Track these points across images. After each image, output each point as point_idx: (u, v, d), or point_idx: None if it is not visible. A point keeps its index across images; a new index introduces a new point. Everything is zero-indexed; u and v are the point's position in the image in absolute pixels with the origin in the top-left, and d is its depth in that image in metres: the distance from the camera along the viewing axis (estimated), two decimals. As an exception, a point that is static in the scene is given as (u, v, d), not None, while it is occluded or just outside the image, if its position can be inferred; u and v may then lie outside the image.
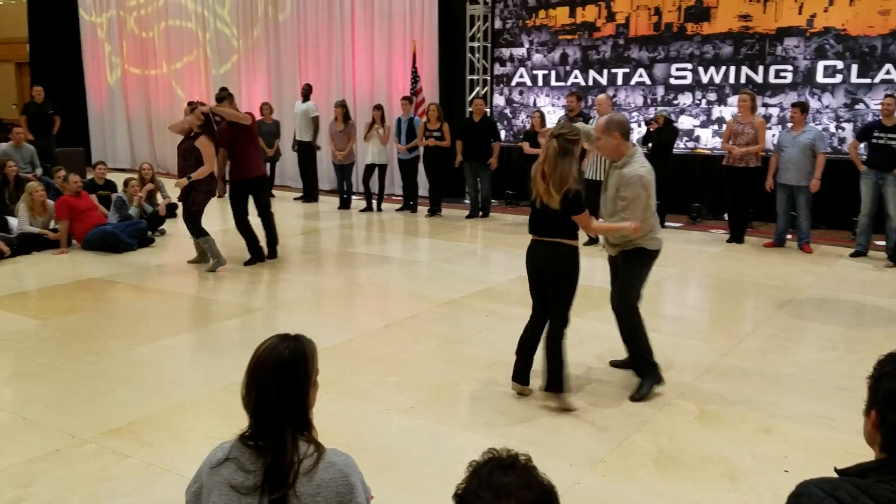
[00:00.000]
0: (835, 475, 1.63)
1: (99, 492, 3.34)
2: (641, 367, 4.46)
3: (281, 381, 1.89)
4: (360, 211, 11.05)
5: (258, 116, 12.08)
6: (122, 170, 14.79)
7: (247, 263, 7.57)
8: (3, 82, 19.70)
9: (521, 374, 4.40)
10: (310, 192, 11.98)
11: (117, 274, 7.33)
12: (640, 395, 4.33)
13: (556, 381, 4.19)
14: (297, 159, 12.09)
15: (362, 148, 11.48)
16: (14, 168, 9.13)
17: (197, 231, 7.37)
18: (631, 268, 4.46)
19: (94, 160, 11.36)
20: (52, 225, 8.45)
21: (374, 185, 11.09)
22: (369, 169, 11.00)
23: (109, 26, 15.69)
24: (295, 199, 12.11)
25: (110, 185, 9.54)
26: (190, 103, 8.24)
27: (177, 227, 9.69)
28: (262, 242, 7.78)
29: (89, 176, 9.96)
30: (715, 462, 3.60)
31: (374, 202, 11.13)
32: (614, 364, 4.87)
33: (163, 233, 9.16)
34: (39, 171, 10.16)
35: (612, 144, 4.30)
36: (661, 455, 3.69)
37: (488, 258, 8.52)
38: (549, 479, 1.38)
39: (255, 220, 7.72)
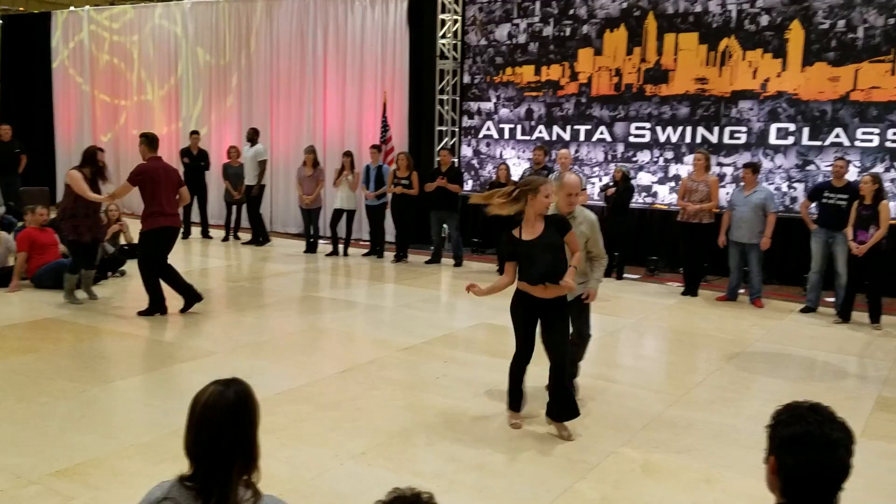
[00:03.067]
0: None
1: (40, 534, 3.32)
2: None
3: (233, 425, 1.95)
4: (327, 255, 11.12)
5: (225, 159, 12.21)
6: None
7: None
8: (-30, 119, 19.58)
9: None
10: (260, 235, 11.92)
11: (73, 314, 7.28)
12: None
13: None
14: (248, 203, 11.94)
15: (331, 193, 11.62)
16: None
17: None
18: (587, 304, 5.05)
19: (59, 200, 11.33)
20: (9, 262, 8.38)
21: (342, 230, 11.19)
22: (337, 214, 11.13)
23: (81, 58, 15.71)
24: (243, 243, 12.00)
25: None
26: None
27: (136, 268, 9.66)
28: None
29: (52, 215, 9.91)
30: (655, 510, 3.69)
31: (342, 247, 11.21)
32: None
33: (123, 273, 9.14)
34: (2, 210, 10.09)
35: (581, 199, 5.06)
36: (603, 501, 3.77)
37: (451, 305, 8.62)
38: None
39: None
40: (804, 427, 1.68)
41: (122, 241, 9.99)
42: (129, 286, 8.74)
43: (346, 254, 11.16)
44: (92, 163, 7.50)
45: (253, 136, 11.92)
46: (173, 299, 7.36)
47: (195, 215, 12.28)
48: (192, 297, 7.40)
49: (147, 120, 14.81)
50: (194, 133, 12.40)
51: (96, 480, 3.85)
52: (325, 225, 12.36)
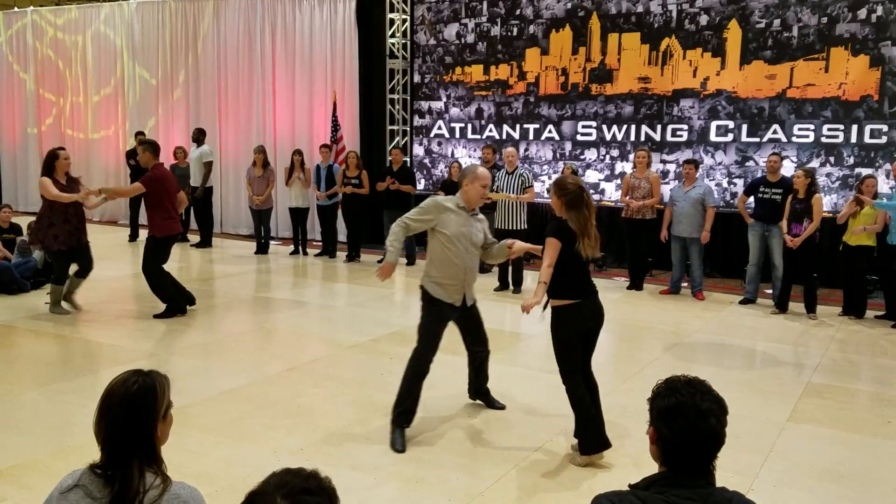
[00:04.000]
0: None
1: (-34, 536, 3.30)
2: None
3: (128, 415, 1.98)
4: (291, 253, 11.24)
5: (172, 160, 12.07)
6: (35, 213, 14.36)
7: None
8: None
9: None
10: (208, 238, 11.86)
11: (13, 318, 7.16)
12: None
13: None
14: (194, 206, 11.78)
15: (283, 193, 11.60)
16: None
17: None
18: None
19: (3, 203, 11.07)
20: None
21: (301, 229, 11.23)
22: (294, 212, 11.16)
23: (24, 54, 15.37)
24: (191, 245, 11.82)
25: (15, 229, 9.32)
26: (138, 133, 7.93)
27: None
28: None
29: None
30: (585, 495, 3.79)
31: (302, 245, 11.28)
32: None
33: (67, 277, 8.98)
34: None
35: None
36: (537, 489, 3.86)
37: (402, 303, 8.66)
38: (334, 487, 1.55)
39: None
40: (678, 398, 1.78)
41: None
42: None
43: (304, 252, 11.17)
44: (48, 171, 7.19)
45: (199, 137, 11.80)
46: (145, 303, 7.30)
47: (143, 218, 12.08)
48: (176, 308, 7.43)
49: (92, 117, 14.58)
50: (140, 134, 12.24)
51: (29, 481, 3.82)
52: (277, 225, 12.33)
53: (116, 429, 1.96)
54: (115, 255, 10.88)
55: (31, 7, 15.22)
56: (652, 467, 3.94)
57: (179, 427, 4.43)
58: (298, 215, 11.18)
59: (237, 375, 5.61)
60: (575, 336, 4.23)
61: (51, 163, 7.20)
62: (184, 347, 6.44)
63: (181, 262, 10.69)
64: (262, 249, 11.30)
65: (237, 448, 4.30)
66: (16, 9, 15.50)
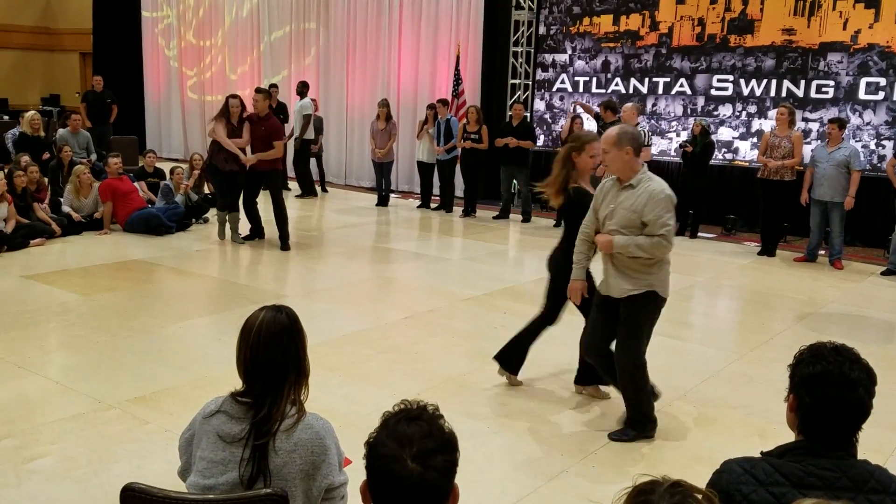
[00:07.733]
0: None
1: (117, 451, 3.61)
2: (637, 421, 3.92)
3: (290, 343, 2.11)
4: (434, 208, 11.27)
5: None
6: (176, 159, 15.28)
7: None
8: (67, 71, 20.54)
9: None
10: (307, 188, 12.08)
11: (159, 257, 7.69)
12: (618, 438, 3.91)
13: None
14: (293, 157, 12.08)
15: (409, 146, 11.70)
16: (69, 153, 9.62)
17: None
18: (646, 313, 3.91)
19: (148, 149, 11.87)
20: (98, 206, 8.84)
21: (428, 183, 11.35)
22: (422, 167, 11.27)
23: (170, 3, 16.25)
24: (295, 196, 12.03)
25: (159, 173, 9.96)
26: (258, 90, 8.55)
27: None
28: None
29: (140, 164, 10.42)
30: (703, 462, 3.68)
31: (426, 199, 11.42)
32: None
33: (206, 220, 9.53)
34: (94, 157, 10.64)
35: (622, 160, 3.78)
36: (652, 451, 3.80)
37: (516, 259, 8.65)
38: (452, 429, 1.53)
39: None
40: (824, 366, 1.68)
41: (206, 189, 10.36)
42: (212, 231, 9.12)
43: (427, 206, 11.25)
44: (224, 113, 8.11)
45: (302, 90, 11.94)
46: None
47: None
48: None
49: (231, 63, 15.22)
50: (273, 86, 12.66)
51: (171, 407, 4.13)
52: (397, 178, 12.51)
53: (276, 358, 2.07)
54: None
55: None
56: (777, 438, 3.78)
57: (306, 365, 4.68)
58: (425, 170, 11.27)
59: (358, 320, 5.80)
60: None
61: (225, 109, 8.15)
62: (310, 291, 6.72)
63: (306, 212, 11.10)
64: (383, 202, 11.53)
65: (358, 388, 4.47)
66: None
